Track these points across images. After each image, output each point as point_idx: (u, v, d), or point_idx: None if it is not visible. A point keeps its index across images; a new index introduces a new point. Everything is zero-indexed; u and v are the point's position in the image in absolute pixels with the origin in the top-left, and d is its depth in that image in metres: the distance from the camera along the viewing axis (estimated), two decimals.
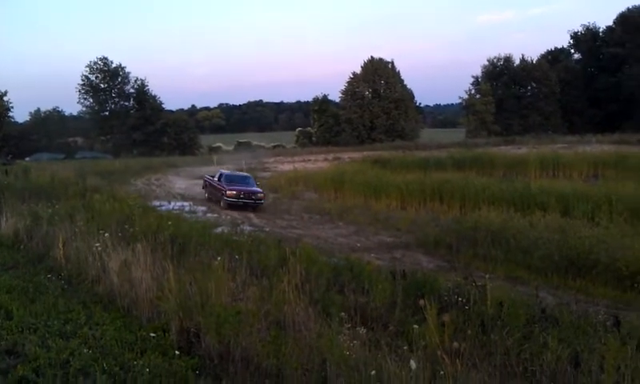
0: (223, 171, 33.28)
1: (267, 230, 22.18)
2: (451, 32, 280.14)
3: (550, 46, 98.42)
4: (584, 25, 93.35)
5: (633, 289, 13.30)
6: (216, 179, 31.53)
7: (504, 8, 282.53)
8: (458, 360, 6.19)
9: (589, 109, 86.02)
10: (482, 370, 6.51)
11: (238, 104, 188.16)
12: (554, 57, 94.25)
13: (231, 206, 28.41)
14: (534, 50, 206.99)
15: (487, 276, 11.41)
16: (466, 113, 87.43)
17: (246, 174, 34.94)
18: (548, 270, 15.45)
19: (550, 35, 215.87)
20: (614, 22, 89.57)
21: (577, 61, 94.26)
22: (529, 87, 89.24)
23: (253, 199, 28.92)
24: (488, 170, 40.83)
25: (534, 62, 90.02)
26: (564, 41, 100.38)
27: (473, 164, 42.18)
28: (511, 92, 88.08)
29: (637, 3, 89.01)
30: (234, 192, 28.87)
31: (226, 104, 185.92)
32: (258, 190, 30.14)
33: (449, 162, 42.60)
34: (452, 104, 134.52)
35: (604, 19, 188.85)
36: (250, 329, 7.31)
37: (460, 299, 9.55)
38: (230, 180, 30.87)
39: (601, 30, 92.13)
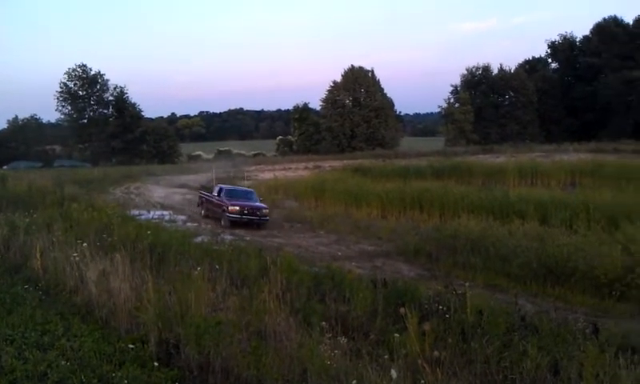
0: (223, 186, 30.52)
1: (248, 238, 22.09)
2: (432, 41, 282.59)
3: (529, 56, 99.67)
4: (561, 34, 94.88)
5: (611, 296, 13.47)
6: (215, 194, 29.06)
7: (486, 17, 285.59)
8: (438, 369, 6.20)
9: (566, 118, 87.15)
10: (462, 379, 6.54)
11: (218, 112, 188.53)
12: (532, 66, 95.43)
13: (234, 224, 26.06)
14: (514, 59, 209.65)
15: (467, 284, 11.47)
16: (445, 122, 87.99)
17: (248, 188, 32.14)
18: (527, 278, 15.57)
19: (530, 44, 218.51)
20: (591, 32, 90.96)
21: (554, 70, 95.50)
22: (507, 96, 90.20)
23: (257, 215, 26.65)
24: (467, 178, 41.13)
25: (512, 71, 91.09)
26: (542, 50, 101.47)
27: (452, 173, 42.50)
28: (489, 101, 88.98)
29: (612, 13, 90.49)
30: (237, 208, 26.46)
31: (207, 112, 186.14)
32: (263, 205, 27.81)
33: (428, 171, 42.86)
34: (431, 113, 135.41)
35: (581, 29, 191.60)
36: (230, 339, 7.27)
37: (440, 307, 9.59)
38: (231, 195, 28.28)
39: (578, 39, 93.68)
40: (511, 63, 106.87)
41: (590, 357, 6.56)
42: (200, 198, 31.27)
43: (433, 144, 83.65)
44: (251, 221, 26.31)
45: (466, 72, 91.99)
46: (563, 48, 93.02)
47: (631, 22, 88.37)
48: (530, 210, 21.83)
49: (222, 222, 26.51)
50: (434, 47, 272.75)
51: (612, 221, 19.03)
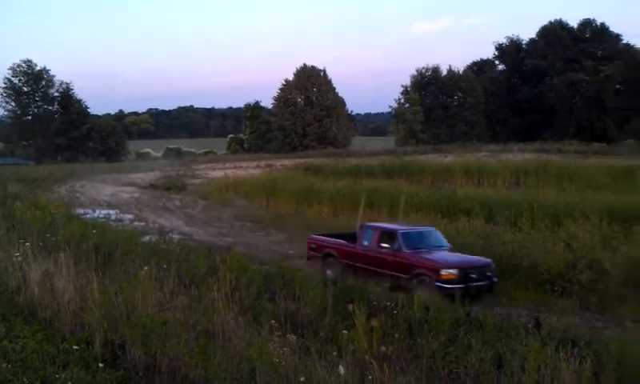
0: (394, 227, 16.47)
1: (197, 238, 21.88)
2: (384, 41, 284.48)
3: (478, 57, 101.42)
4: (508, 37, 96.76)
5: (553, 292, 13.85)
6: (371, 244, 15.83)
7: (437, 18, 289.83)
8: (385, 364, 6.28)
9: (511, 118, 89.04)
10: (408, 373, 6.65)
11: (167, 109, 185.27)
12: (480, 68, 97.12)
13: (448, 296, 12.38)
14: (463, 61, 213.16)
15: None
16: (396, 121, 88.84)
17: (427, 227, 17.36)
18: None
19: (480, 46, 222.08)
20: (537, 35, 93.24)
21: (501, 72, 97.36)
22: (455, 97, 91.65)
23: (487, 279, 14.23)
24: (417, 177, 41.52)
25: (461, 72, 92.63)
26: (490, 52, 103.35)
27: (402, 172, 42.81)
28: (439, 102, 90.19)
29: (558, 17, 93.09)
30: (455, 271, 13.80)
31: (156, 109, 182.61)
32: (487, 260, 14.80)
33: (379, 170, 43.11)
34: (382, 113, 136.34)
35: (527, 32, 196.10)
36: (177, 339, 7.20)
37: (388, 304, 9.73)
38: (417, 244, 15.30)
39: (524, 42, 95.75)
40: (460, 64, 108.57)
41: (532, 351, 6.77)
42: (318, 247, 17.47)
43: (383, 143, 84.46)
44: (480, 289, 13.90)
45: (415, 73, 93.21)
46: (510, 50, 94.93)
47: (576, 26, 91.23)
48: (477, 208, 22.20)
49: (419, 292, 12.46)
50: (385, 47, 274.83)
51: (555, 219, 19.56)
